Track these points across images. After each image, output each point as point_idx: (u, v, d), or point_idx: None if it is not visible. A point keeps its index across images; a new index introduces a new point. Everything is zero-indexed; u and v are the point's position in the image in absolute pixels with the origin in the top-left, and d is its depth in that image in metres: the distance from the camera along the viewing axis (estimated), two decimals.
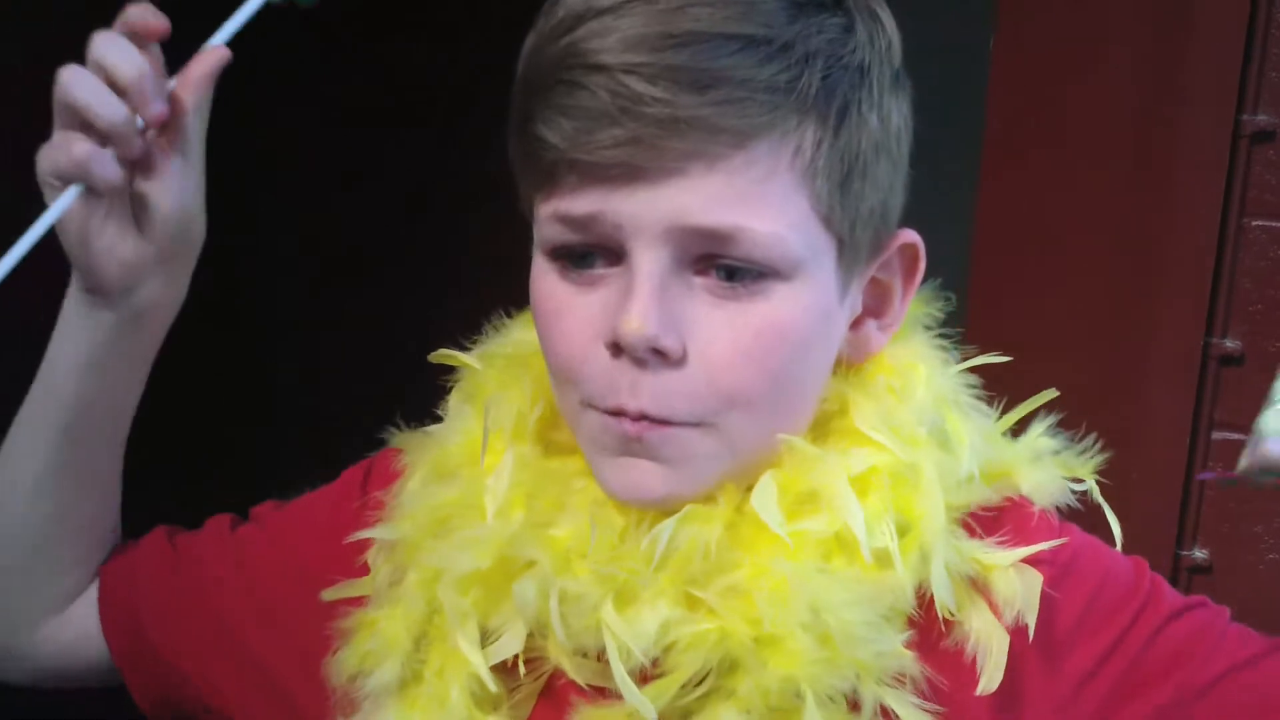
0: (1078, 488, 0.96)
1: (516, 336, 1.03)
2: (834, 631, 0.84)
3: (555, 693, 0.94)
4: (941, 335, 0.98)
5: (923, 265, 0.95)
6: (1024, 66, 1.72)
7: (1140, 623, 0.94)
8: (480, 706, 0.93)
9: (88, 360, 1.02)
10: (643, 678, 0.87)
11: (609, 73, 0.81)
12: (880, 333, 0.95)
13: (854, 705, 0.86)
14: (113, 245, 0.96)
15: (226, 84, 0.95)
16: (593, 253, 0.86)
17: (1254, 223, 1.64)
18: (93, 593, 1.12)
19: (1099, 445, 0.99)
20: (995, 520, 0.93)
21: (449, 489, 0.97)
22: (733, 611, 0.85)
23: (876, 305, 0.95)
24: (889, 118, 0.88)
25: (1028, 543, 0.92)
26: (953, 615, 0.89)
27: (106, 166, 0.91)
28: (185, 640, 1.10)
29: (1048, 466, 0.96)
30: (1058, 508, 0.96)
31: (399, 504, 1.00)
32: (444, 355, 1.04)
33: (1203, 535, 1.74)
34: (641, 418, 0.86)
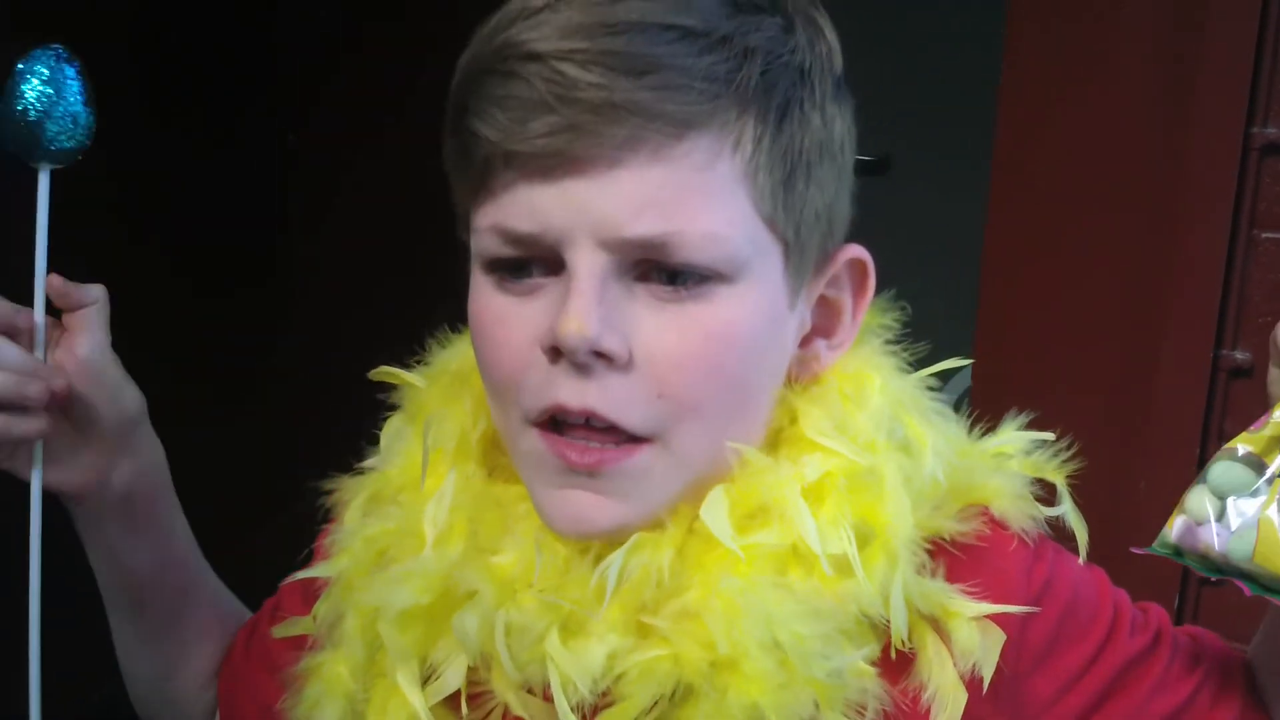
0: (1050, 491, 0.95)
1: (462, 350, 1.00)
2: (788, 648, 0.82)
3: None
4: (899, 344, 0.96)
5: (872, 282, 0.93)
6: (1033, 78, 1.72)
7: (1106, 653, 0.95)
8: None
9: (113, 553, 1.11)
10: (593, 710, 0.84)
11: (543, 60, 0.80)
12: (829, 351, 0.93)
13: None
14: (65, 469, 1.05)
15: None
16: (530, 262, 0.84)
17: (1264, 235, 1.64)
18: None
19: (1075, 450, 0.97)
20: (971, 561, 0.91)
21: (387, 518, 0.95)
22: (685, 635, 0.82)
23: (826, 324, 0.93)
24: (832, 122, 0.87)
25: (1003, 584, 0.90)
26: (905, 645, 0.87)
27: (21, 426, 0.99)
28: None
29: (1014, 475, 0.94)
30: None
31: (336, 540, 0.98)
32: (384, 373, 1.02)
33: None
34: (587, 416, 0.83)
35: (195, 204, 2.82)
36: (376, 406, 1.04)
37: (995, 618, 0.90)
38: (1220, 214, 1.63)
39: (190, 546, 1.16)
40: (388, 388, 1.02)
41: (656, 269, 0.82)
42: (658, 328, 0.82)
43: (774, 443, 0.90)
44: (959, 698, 0.88)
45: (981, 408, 0.98)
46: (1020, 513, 0.93)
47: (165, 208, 2.77)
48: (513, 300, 0.85)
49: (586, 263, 0.81)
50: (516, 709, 0.88)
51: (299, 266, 3.10)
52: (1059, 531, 0.98)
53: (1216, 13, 1.62)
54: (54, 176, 1.03)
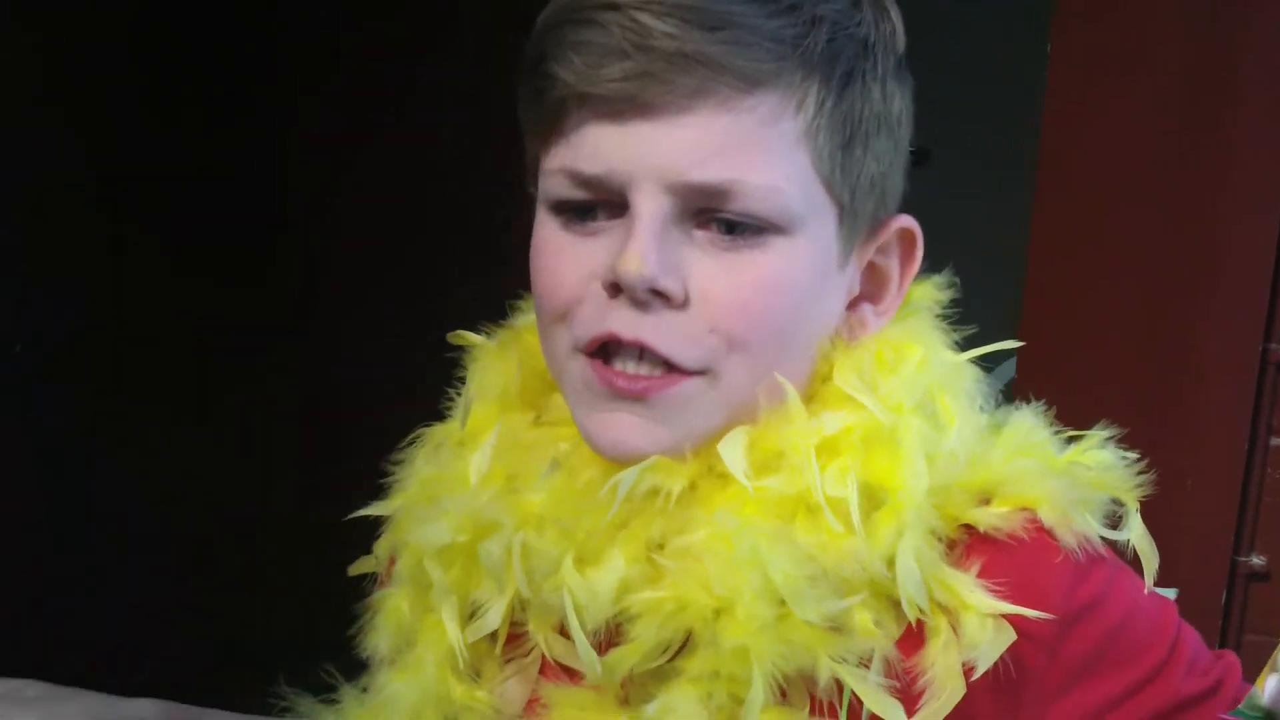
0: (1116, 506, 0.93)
1: (529, 314, 1.04)
2: (781, 588, 0.84)
3: (541, 670, 0.95)
4: (949, 322, 0.98)
5: (920, 252, 0.96)
6: (1079, 70, 1.71)
7: (1151, 690, 0.92)
8: (458, 678, 0.96)
9: None
10: (607, 645, 0.88)
11: (621, 9, 0.84)
12: (876, 317, 0.96)
13: (812, 685, 0.86)
14: None
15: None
16: (596, 206, 0.88)
17: None
18: None
19: (1148, 462, 0.95)
20: (1002, 559, 0.90)
21: (439, 464, 1.01)
22: (687, 576, 0.86)
23: (874, 290, 0.96)
24: (891, 98, 0.91)
25: (1036, 593, 0.89)
26: (921, 614, 0.87)
27: None
28: None
29: (1077, 486, 0.93)
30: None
31: (396, 481, 1.03)
32: (458, 336, 1.06)
33: (1260, 541, 1.72)
34: (640, 349, 0.87)
35: (193, 203, 2.82)
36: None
37: (1025, 628, 0.89)
38: (1269, 203, 1.62)
39: None
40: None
41: (715, 217, 0.86)
42: (713, 272, 0.86)
43: (809, 396, 0.92)
44: (954, 692, 0.88)
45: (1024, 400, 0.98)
46: (1071, 525, 0.91)
47: (164, 207, 2.77)
48: (574, 238, 0.89)
49: (649, 205, 0.85)
50: (546, 651, 0.93)
51: (300, 265, 3.10)
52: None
53: (1256, 4, 1.61)
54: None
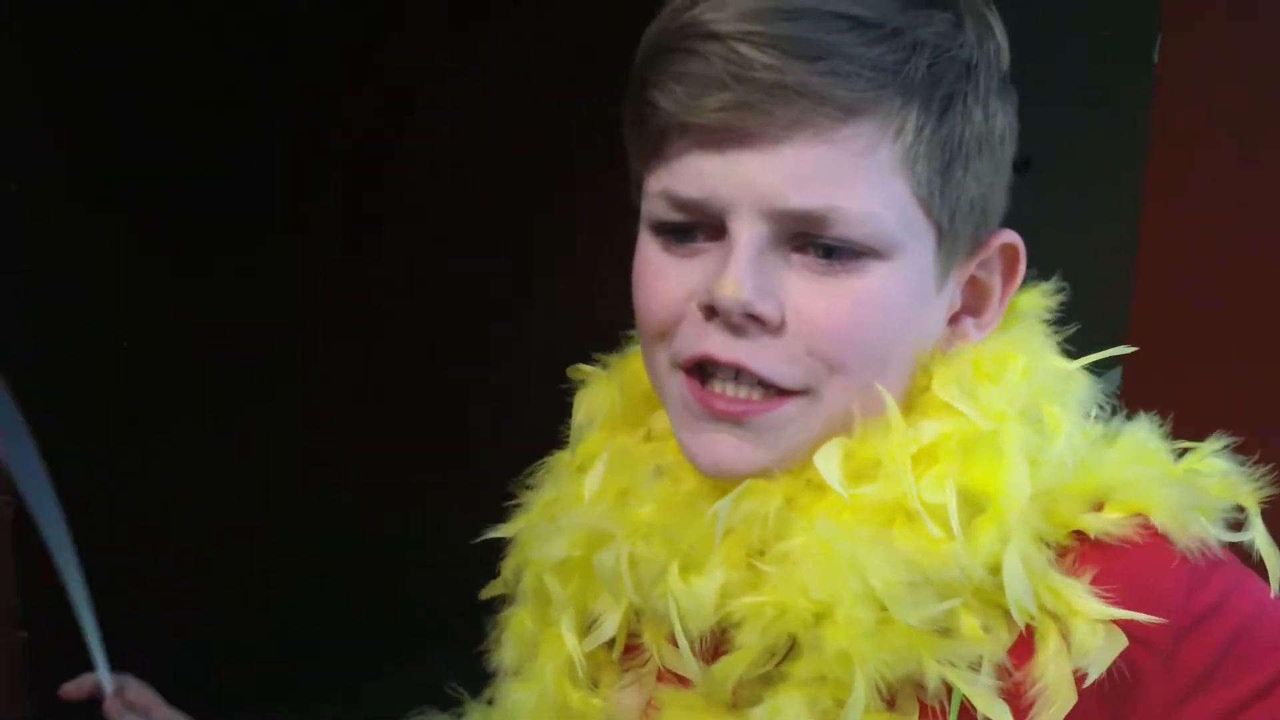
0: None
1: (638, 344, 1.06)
2: (880, 595, 0.84)
3: (657, 679, 0.98)
4: (1057, 330, 0.97)
5: (1023, 267, 0.96)
6: (1188, 73, 1.68)
7: (1278, 697, 0.89)
8: (575, 686, 1.00)
9: None
10: (715, 652, 0.90)
11: (722, 40, 0.84)
12: (977, 331, 0.95)
13: (921, 690, 0.86)
14: None
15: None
16: (695, 228, 0.89)
17: None
18: None
19: (1269, 469, 0.94)
20: (1113, 565, 0.88)
21: (557, 486, 1.04)
22: (786, 581, 0.86)
23: (975, 304, 0.96)
24: (994, 117, 0.91)
25: (1150, 598, 0.87)
26: (1029, 618, 0.87)
27: None
28: None
29: (1191, 490, 0.91)
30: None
31: (519, 505, 1.06)
32: (576, 371, 1.09)
33: None
34: (737, 370, 0.88)
35: (200, 202, 2.84)
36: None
37: (1140, 635, 0.87)
38: None
39: None
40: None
41: (813, 242, 0.87)
42: (810, 295, 0.87)
43: (907, 408, 0.92)
44: (1066, 701, 0.87)
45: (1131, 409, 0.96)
46: (1187, 530, 0.89)
47: (171, 206, 2.79)
48: (673, 259, 0.90)
49: (747, 231, 0.86)
50: (659, 659, 0.95)
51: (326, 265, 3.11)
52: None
53: None
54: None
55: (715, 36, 0.85)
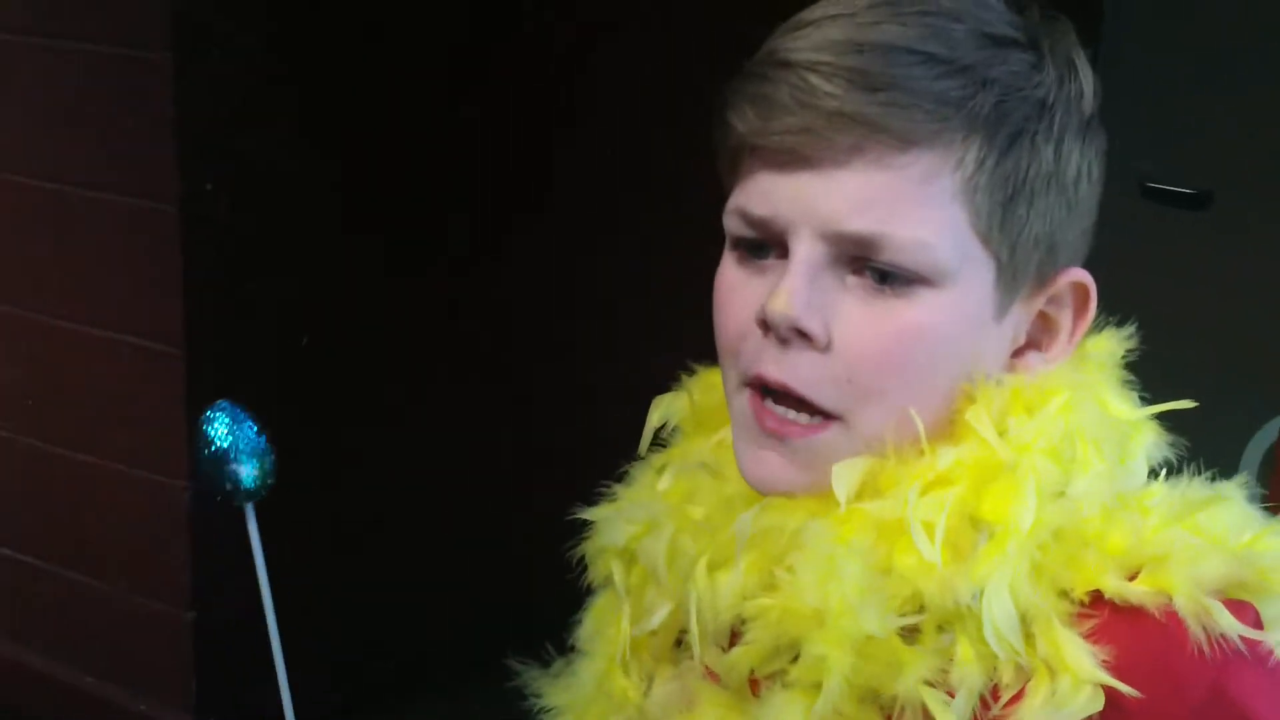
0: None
1: None
2: (849, 597, 0.87)
3: (697, 676, 1.01)
4: (1129, 379, 0.97)
5: (1093, 306, 0.96)
6: None
7: None
8: (624, 674, 1.05)
9: None
10: (731, 644, 0.94)
11: (794, 69, 0.89)
12: (1044, 365, 0.96)
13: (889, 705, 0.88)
14: None
15: None
16: (767, 245, 0.93)
17: None
18: None
19: None
20: (1133, 629, 0.87)
21: (635, 481, 1.09)
22: (793, 587, 0.90)
23: (1043, 339, 0.97)
24: (1068, 156, 0.92)
25: (1159, 673, 0.86)
26: (1019, 655, 0.86)
27: None
28: None
29: (1237, 569, 0.87)
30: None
31: (607, 495, 1.10)
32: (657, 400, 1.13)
33: None
34: (783, 390, 0.91)
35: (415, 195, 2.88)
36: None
37: (1153, 711, 0.86)
38: None
39: None
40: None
41: (868, 265, 0.89)
42: (858, 318, 0.90)
43: (946, 435, 0.93)
44: None
45: None
46: (1203, 616, 0.86)
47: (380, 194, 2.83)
48: (745, 275, 0.94)
49: (804, 250, 0.90)
50: (697, 655, 0.98)
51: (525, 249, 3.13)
52: None
53: None
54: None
55: (788, 65, 0.89)
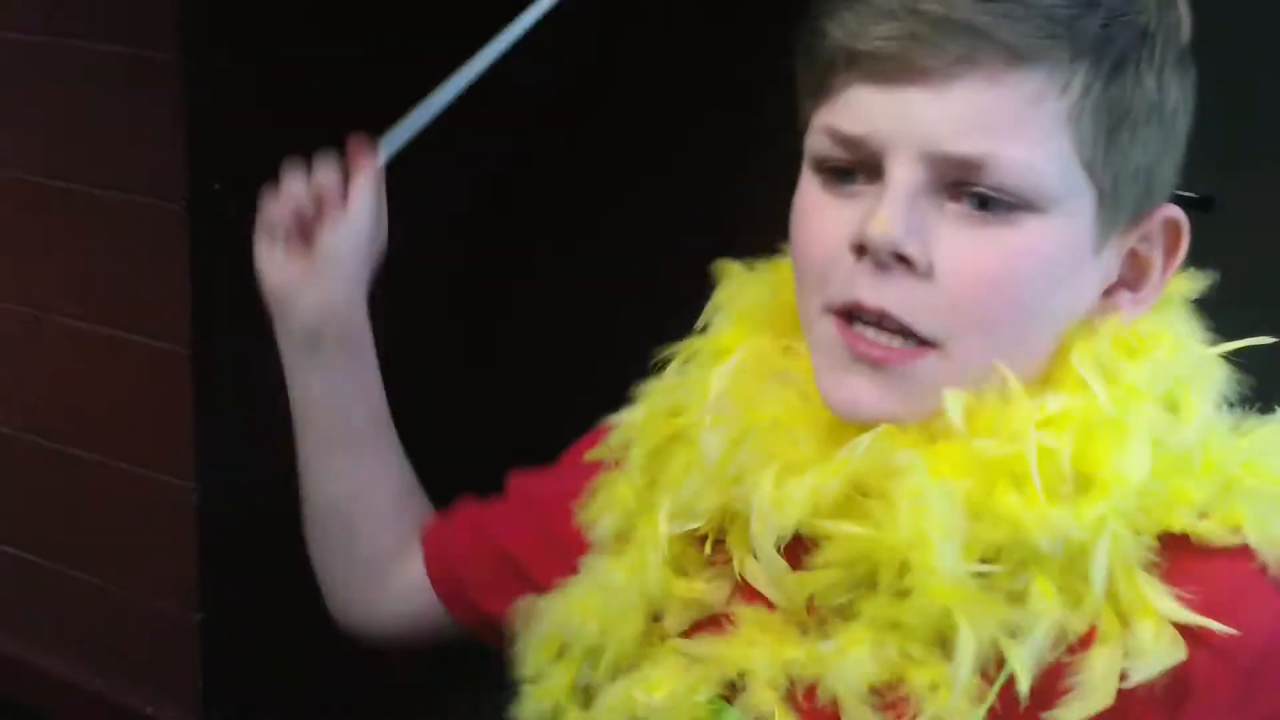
0: None
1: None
2: (934, 534, 0.85)
3: (743, 591, 0.98)
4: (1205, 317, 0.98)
5: (1185, 244, 0.96)
6: None
7: None
8: (677, 574, 1.01)
9: (303, 387, 1.34)
10: (794, 565, 0.92)
11: None
12: (1134, 305, 0.95)
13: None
14: (273, 265, 1.29)
15: None
16: (855, 170, 0.90)
17: None
18: (417, 553, 1.33)
19: None
20: (1209, 570, 0.87)
21: (683, 376, 1.06)
22: (881, 518, 0.88)
23: (1134, 278, 0.96)
24: (1167, 88, 0.91)
25: (1238, 612, 0.86)
26: (1123, 605, 0.85)
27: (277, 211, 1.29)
28: (486, 580, 1.27)
29: None
30: None
31: (644, 391, 1.09)
32: (723, 264, 1.10)
33: None
34: (881, 316, 0.89)
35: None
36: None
37: (1220, 646, 0.85)
38: None
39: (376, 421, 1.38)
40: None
41: (969, 191, 0.87)
42: (960, 244, 0.88)
43: (1045, 378, 0.92)
44: (1100, 701, 0.86)
45: None
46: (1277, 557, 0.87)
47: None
48: (832, 200, 0.92)
49: (903, 172, 0.87)
50: (740, 570, 0.97)
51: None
52: None
53: None
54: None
55: None
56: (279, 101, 2.46)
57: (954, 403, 0.89)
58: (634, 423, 1.08)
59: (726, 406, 0.98)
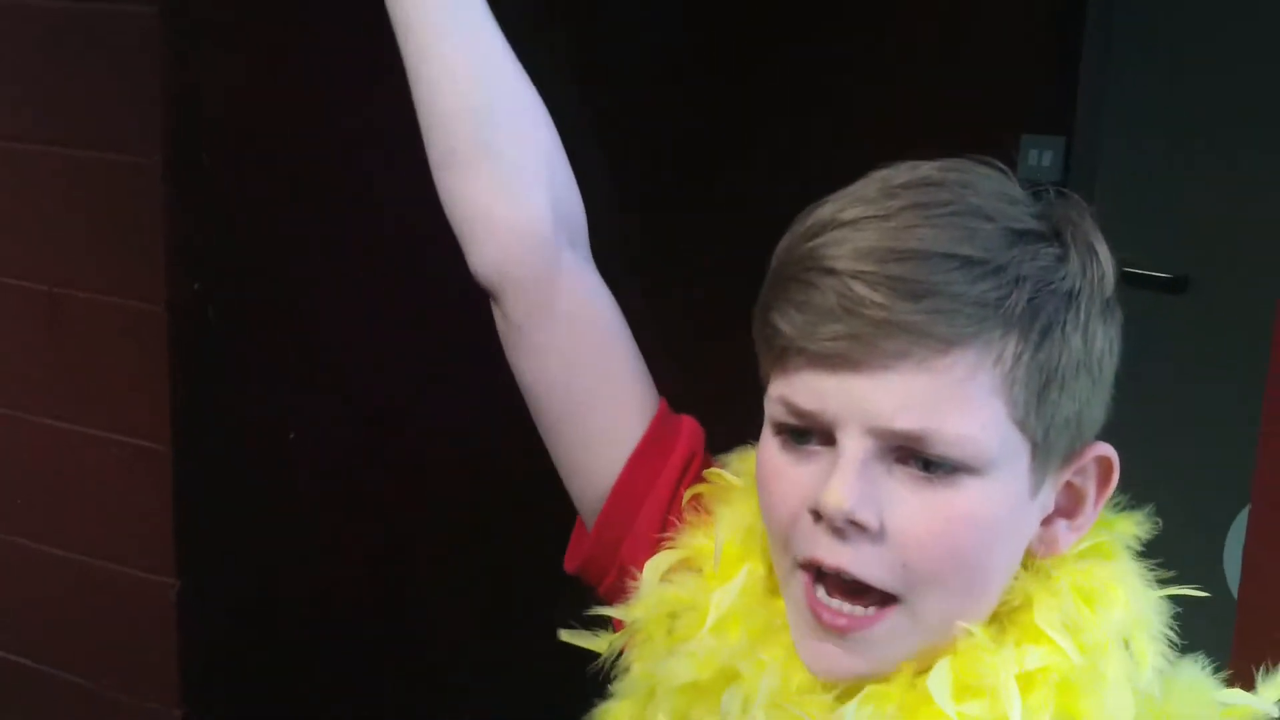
0: None
1: None
2: None
3: None
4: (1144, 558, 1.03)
5: (1115, 478, 1.02)
6: None
7: None
8: None
9: None
10: None
11: (839, 277, 0.93)
12: (1070, 532, 1.02)
13: None
14: None
15: None
16: (811, 431, 0.97)
17: None
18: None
19: None
20: None
21: (682, 586, 1.10)
22: None
23: (1069, 507, 1.02)
24: (1093, 340, 0.97)
25: None
26: None
27: None
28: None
29: None
30: None
31: (641, 585, 1.11)
32: (715, 475, 1.15)
33: None
34: (839, 573, 0.95)
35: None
36: None
37: None
38: None
39: None
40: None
41: (915, 455, 0.93)
42: (909, 507, 0.94)
43: (1004, 624, 0.99)
44: None
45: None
46: None
47: None
48: (791, 460, 0.98)
49: (853, 445, 0.93)
50: None
51: None
52: None
53: None
54: None
55: (832, 272, 0.93)
56: (259, 206, 2.49)
57: (939, 684, 0.95)
58: (630, 627, 1.11)
59: (738, 659, 1.03)
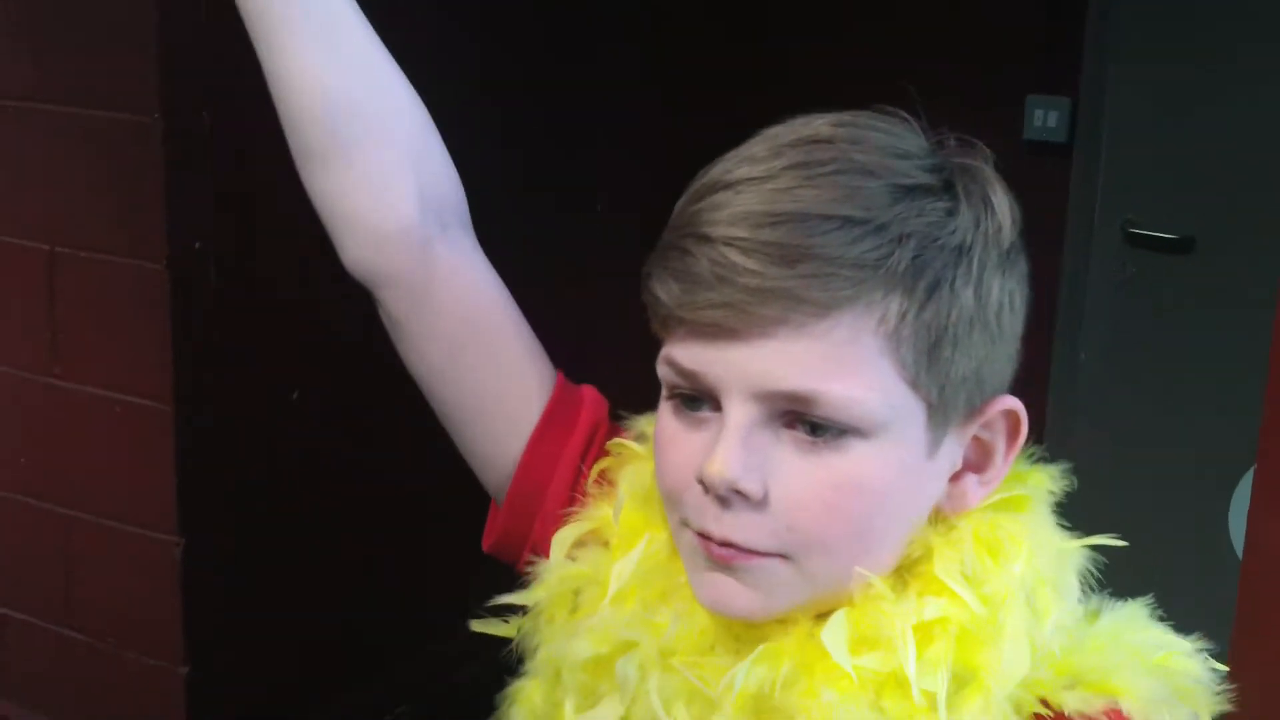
0: None
1: None
2: None
3: None
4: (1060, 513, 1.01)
5: (1024, 431, 0.99)
6: None
7: None
8: None
9: None
10: None
11: (713, 244, 0.90)
12: (980, 487, 0.99)
13: None
14: None
15: None
16: (701, 397, 0.95)
17: None
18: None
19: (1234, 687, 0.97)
20: None
21: (584, 562, 1.09)
22: None
23: (978, 461, 0.99)
24: (988, 294, 0.94)
25: None
26: None
27: None
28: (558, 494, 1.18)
29: (1165, 683, 0.96)
30: None
31: (543, 568, 1.11)
32: (618, 445, 1.14)
33: None
34: (726, 545, 0.93)
35: None
36: None
37: None
38: None
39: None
40: None
41: (801, 418, 0.92)
42: (794, 472, 0.92)
43: (904, 575, 0.97)
44: None
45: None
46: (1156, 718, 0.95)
47: None
48: (683, 426, 0.97)
49: (737, 412, 0.92)
50: None
51: None
52: None
53: None
54: None
55: (707, 239, 0.91)
56: (260, 163, 2.49)
57: (834, 635, 0.94)
58: (535, 609, 1.10)
59: (632, 630, 1.02)
